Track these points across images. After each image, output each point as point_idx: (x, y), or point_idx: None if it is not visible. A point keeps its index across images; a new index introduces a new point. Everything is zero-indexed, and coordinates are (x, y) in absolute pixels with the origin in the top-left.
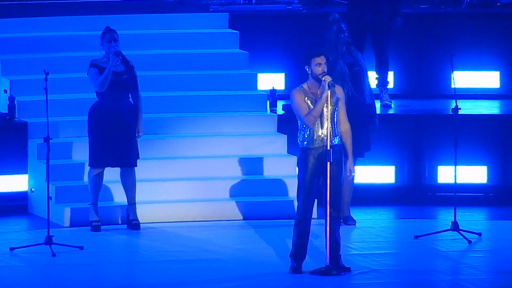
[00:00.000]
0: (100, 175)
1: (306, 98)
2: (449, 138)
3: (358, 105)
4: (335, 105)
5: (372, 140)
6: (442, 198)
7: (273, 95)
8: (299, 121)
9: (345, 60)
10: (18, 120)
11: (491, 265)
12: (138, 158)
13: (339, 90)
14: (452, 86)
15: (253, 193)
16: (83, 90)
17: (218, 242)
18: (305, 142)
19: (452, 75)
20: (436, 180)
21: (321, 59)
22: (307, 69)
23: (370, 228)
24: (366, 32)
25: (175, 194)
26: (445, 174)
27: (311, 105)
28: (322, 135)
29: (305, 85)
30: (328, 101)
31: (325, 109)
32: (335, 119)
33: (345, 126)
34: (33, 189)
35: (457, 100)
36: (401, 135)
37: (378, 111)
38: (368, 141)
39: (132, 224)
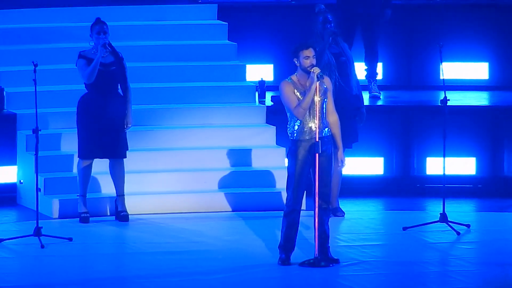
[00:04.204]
0: (89, 167)
1: (295, 90)
2: (438, 130)
3: (345, 95)
4: (323, 96)
5: (360, 131)
6: (430, 190)
7: (261, 86)
8: (288, 113)
9: (332, 50)
10: (7, 112)
11: (479, 257)
12: (127, 149)
13: (327, 81)
14: (441, 77)
15: (241, 184)
16: (72, 81)
17: (207, 233)
18: (295, 134)
19: (441, 66)
20: (425, 171)
21: (310, 52)
22: (296, 62)
23: (359, 220)
24: (356, 23)
25: (163, 186)
26: (434, 166)
27: (300, 97)
28: (312, 127)
29: (294, 77)
30: (317, 92)
31: (314, 101)
32: (324, 110)
33: (333, 117)
34: (22, 181)
35: (446, 91)
36: (390, 127)
37: (367, 102)
38: (355, 132)
39: (121, 215)
